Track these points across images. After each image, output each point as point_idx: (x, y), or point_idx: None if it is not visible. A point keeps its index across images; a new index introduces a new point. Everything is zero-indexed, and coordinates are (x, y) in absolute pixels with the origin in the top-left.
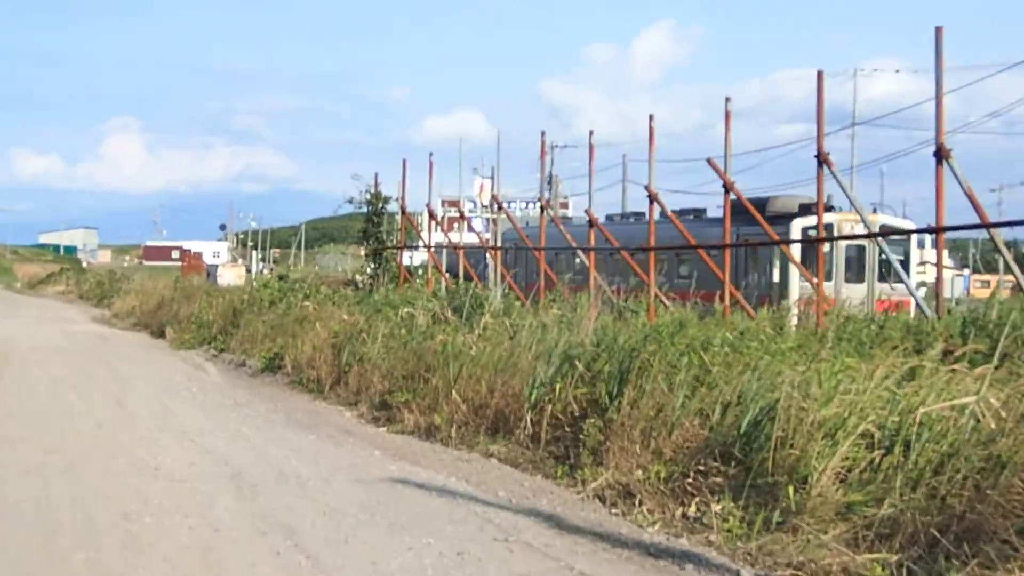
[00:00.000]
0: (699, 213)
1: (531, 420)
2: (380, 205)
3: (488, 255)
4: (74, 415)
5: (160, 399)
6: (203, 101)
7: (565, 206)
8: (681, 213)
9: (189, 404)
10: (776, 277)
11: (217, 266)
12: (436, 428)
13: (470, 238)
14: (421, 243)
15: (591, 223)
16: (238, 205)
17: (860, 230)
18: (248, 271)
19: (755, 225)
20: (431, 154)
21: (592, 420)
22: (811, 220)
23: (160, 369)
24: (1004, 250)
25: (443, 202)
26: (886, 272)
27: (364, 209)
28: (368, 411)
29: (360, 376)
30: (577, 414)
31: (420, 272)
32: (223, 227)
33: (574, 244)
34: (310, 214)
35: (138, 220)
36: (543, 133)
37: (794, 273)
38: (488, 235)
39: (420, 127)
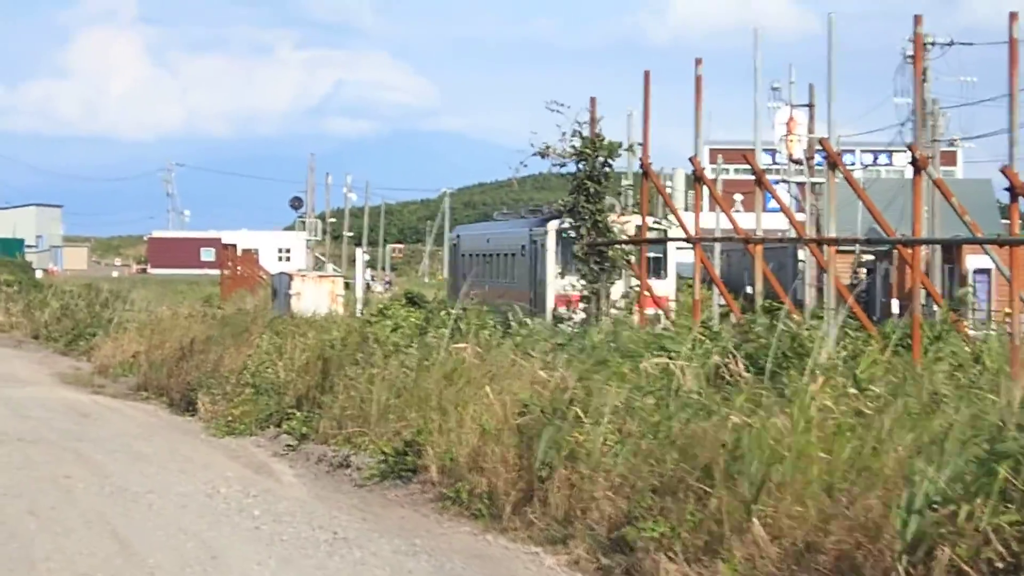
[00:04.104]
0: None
1: (906, 574)
2: (602, 159)
3: (805, 252)
4: (36, 565)
5: (195, 532)
6: None
7: (950, 159)
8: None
9: (249, 541)
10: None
11: (290, 276)
12: None
13: (771, 218)
14: (675, 227)
15: (1014, 192)
16: (325, 161)
17: (629, 229)
18: (348, 286)
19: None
20: (697, 62)
21: None
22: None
23: (190, 473)
24: None
25: (712, 153)
26: (651, 269)
27: (570, 167)
28: (589, 555)
29: (572, 489)
30: (999, 565)
31: (679, 285)
32: (298, 203)
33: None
34: (460, 178)
35: (136, 190)
36: (916, 19)
37: (549, 273)
38: (804, 213)
39: (664, 11)
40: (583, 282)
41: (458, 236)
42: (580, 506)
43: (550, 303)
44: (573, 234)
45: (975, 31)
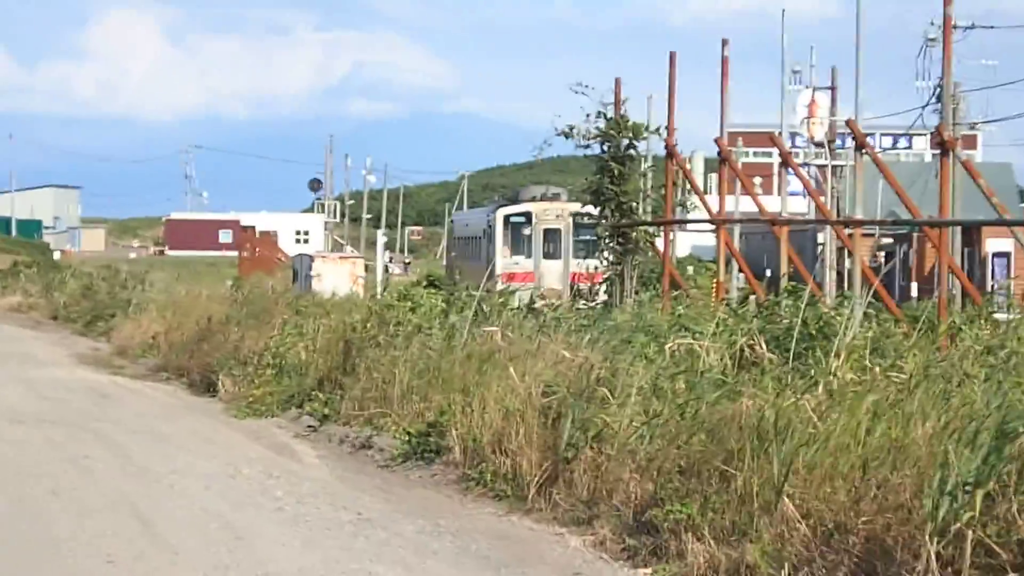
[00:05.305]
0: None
1: (938, 556)
2: (627, 141)
3: (825, 235)
4: (59, 545)
5: (218, 512)
6: None
7: (970, 142)
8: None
9: (272, 522)
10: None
11: (311, 258)
12: (750, 570)
13: (789, 201)
14: (695, 209)
15: None
16: (343, 143)
17: (555, 217)
18: (368, 269)
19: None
20: (724, 43)
21: None
22: (512, 208)
23: (212, 454)
24: None
25: (731, 136)
26: (590, 250)
27: (594, 149)
28: (614, 536)
29: (597, 469)
30: None
31: (697, 268)
32: (316, 185)
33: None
34: (479, 160)
35: (154, 172)
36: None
37: (498, 252)
38: (825, 195)
39: None
40: (607, 263)
41: (452, 221)
42: (606, 487)
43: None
44: (591, 217)
45: (995, 15)
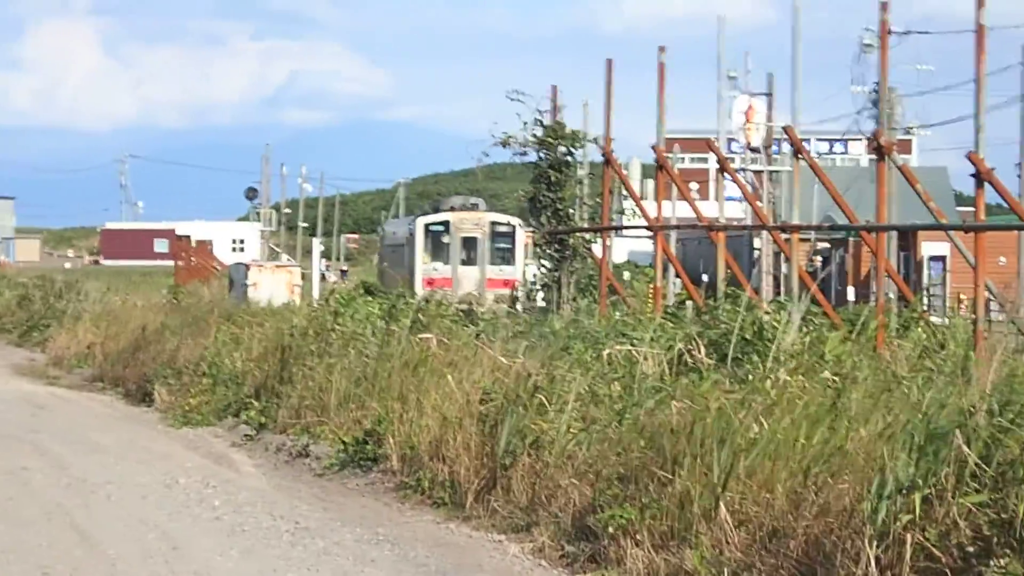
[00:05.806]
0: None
1: (876, 559)
2: (565, 148)
3: (761, 240)
4: None
5: (155, 523)
6: None
7: (905, 147)
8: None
9: (210, 532)
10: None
11: (247, 266)
12: None
13: (726, 207)
14: (634, 215)
15: (980, 177)
16: (280, 152)
17: (472, 226)
18: (305, 277)
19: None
20: (661, 49)
21: (1004, 560)
22: (432, 218)
23: (149, 464)
24: None
25: (668, 142)
26: (503, 257)
27: (531, 157)
28: (553, 542)
29: (535, 476)
30: (969, 548)
31: (634, 273)
32: (252, 194)
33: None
34: (415, 168)
35: (90, 182)
36: (883, 4)
37: (418, 259)
38: (761, 201)
39: (619, 2)
40: (544, 269)
41: (383, 229)
42: (544, 493)
43: (419, 284)
44: (533, 225)
45: (929, 21)
